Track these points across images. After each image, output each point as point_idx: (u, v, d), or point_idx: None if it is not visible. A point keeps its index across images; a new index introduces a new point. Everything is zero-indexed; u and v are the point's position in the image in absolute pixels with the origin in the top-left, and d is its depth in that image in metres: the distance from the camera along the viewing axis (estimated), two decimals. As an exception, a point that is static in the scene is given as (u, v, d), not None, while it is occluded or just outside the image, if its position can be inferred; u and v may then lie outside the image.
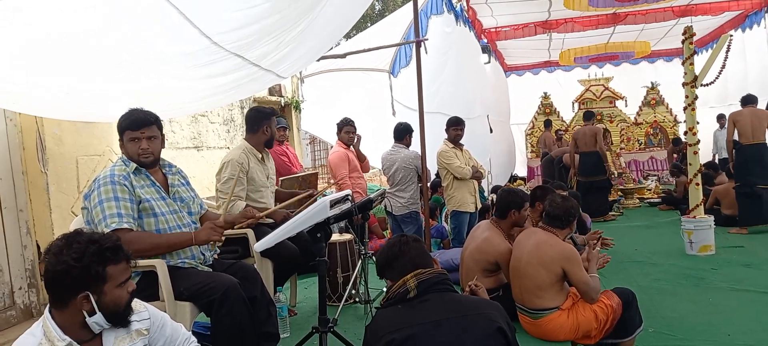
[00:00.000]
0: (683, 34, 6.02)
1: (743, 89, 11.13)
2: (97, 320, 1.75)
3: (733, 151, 7.06)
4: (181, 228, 2.82)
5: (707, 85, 6.16)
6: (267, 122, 4.01)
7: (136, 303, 1.92)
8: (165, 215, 2.77)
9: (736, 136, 6.99)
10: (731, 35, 6.82)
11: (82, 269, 1.69)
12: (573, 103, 13.98)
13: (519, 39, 11.57)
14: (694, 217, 5.93)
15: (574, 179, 9.33)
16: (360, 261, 4.31)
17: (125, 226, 2.58)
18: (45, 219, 4.15)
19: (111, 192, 2.61)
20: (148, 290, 2.65)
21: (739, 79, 11.16)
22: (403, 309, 2.09)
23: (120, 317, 1.81)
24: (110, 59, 2.92)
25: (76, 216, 3.31)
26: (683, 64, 6.07)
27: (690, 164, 6.07)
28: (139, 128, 2.73)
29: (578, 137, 9.14)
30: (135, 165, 2.75)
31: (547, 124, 12.88)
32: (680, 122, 12.79)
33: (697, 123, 6.04)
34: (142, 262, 2.65)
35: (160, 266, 2.66)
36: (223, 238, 2.98)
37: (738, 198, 6.98)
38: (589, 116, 9.69)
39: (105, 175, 2.68)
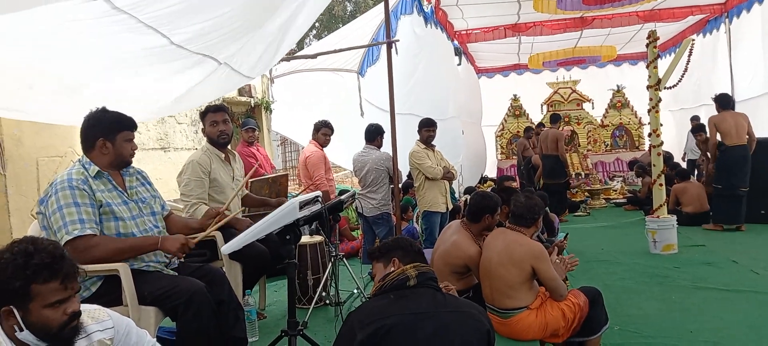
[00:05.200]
0: (647, 38, 6.17)
1: (698, 92, 11.44)
2: (25, 337, 1.62)
3: (717, 153, 7.13)
4: (144, 233, 2.75)
5: (670, 87, 6.33)
6: (203, 120, 3.82)
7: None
8: (126, 220, 2.70)
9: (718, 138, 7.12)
10: (693, 39, 7.01)
11: (1, 284, 1.58)
12: (542, 106, 14.19)
13: (489, 42, 11.70)
14: (658, 217, 6.08)
15: (541, 180, 9.46)
16: (331, 263, 4.28)
17: (88, 232, 2.49)
18: (3, 222, 4.01)
19: (70, 197, 2.52)
20: (111, 294, 2.57)
21: (695, 82, 11.46)
22: (395, 299, 2.12)
23: (56, 339, 1.64)
24: (75, 59, 2.83)
25: (35, 219, 3.21)
26: (647, 67, 6.21)
27: (654, 165, 6.22)
28: (135, 129, 2.77)
29: (542, 140, 9.27)
30: (97, 169, 2.67)
31: (527, 130, 11.86)
32: (645, 124, 13.08)
33: (661, 125, 6.19)
34: (103, 266, 2.56)
35: (124, 269, 2.58)
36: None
37: (718, 198, 7.16)
38: (555, 119, 9.74)
39: (62, 179, 2.58)
